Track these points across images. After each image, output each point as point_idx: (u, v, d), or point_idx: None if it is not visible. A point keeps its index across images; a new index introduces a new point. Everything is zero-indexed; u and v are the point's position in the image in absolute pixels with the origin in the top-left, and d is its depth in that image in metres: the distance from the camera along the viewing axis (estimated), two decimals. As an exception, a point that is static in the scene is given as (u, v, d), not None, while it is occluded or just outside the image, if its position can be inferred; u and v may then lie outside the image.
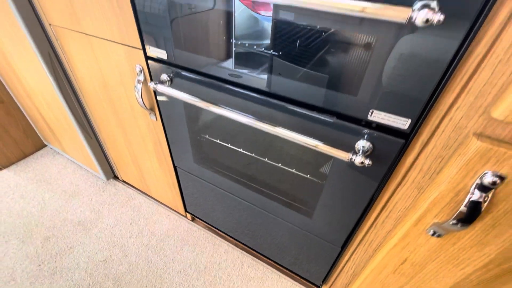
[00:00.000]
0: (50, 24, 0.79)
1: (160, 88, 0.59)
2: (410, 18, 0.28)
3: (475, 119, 0.37)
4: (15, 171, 1.36)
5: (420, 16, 0.27)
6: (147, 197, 1.25)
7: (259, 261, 1.01)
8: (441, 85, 0.36)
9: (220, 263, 1.00)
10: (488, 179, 0.38)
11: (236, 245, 1.07)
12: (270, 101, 0.51)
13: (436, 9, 0.29)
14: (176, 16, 0.51)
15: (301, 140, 0.47)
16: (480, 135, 0.37)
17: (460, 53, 0.33)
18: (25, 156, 1.44)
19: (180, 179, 0.95)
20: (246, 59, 0.49)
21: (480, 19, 0.30)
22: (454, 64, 0.34)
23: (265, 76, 0.49)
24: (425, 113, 0.39)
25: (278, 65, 0.46)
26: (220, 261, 1.01)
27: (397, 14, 0.28)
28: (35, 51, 0.85)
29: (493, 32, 0.31)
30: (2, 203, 1.19)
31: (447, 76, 0.35)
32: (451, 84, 0.36)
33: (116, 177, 1.34)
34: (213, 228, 1.07)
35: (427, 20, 0.27)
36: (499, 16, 0.30)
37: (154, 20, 0.54)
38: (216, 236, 1.09)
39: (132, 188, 1.29)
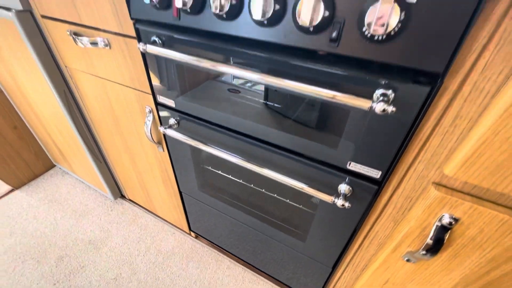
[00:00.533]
0: (66, 66, 0.88)
1: (169, 132, 0.67)
2: (371, 107, 0.36)
3: (433, 172, 0.45)
4: (27, 192, 1.43)
5: (378, 107, 0.35)
6: (153, 215, 1.32)
7: (259, 276, 1.09)
8: (403, 146, 0.44)
9: (223, 279, 1.08)
10: (445, 220, 0.46)
11: (237, 261, 1.14)
12: (265, 147, 0.59)
13: (391, 98, 0.38)
14: (183, 75, 0.59)
15: (289, 183, 0.55)
16: (437, 184, 0.45)
17: (414, 126, 0.41)
18: (35, 176, 1.52)
19: (184, 202, 1.03)
20: (243, 111, 0.57)
21: (426, 106, 0.38)
22: (411, 133, 0.42)
23: (259, 126, 0.57)
24: (392, 166, 0.47)
25: (269, 117, 0.54)
26: (223, 277, 1.08)
27: (361, 104, 0.36)
28: (51, 88, 0.93)
29: (437, 114, 0.39)
30: (17, 224, 1.26)
31: (407, 140, 0.43)
32: (411, 145, 0.44)
33: (123, 196, 1.42)
34: (216, 246, 1.15)
35: (384, 110, 0.35)
36: (441, 102, 0.38)
37: (164, 76, 0.63)
38: (219, 253, 1.16)
39: (139, 207, 1.36)
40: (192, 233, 1.21)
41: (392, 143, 0.44)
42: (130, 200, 1.39)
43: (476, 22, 0.31)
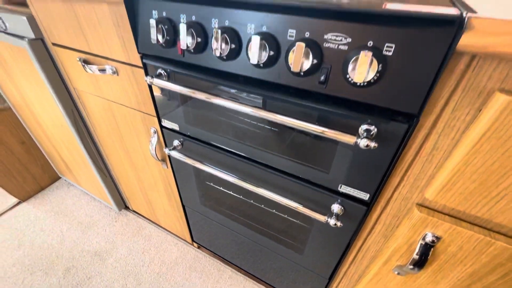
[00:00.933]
0: (74, 88, 0.92)
1: (174, 154, 0.72)
2: (356, 142, 0.41)
3: (416, 194, 0.50)
4: (34, 204, 1.48)
5: (362, 143, 0.40)
6: (156, 226, 1.36)
7: (260, 285, 1.12)
8: (388, 172, 0.48)
9: (225, 288, 1.11)
10: (428, 238, 0.50)
11: (238, 271, 1.18)
12: (262, 168, 0.64)
13: (374, 132, 0.42)
14: (187, 103, 0.64)
15: (284, 202, 0.60)
16: (420, 206, 0.50)
17: (396, 156, 0.46)
18: (41, 189, 1.56)
19: (187, 215, 1.07)
20: (242, 135, 0.61)
21: (405, 139, 0.43)
22: (394, 161, 0.46)
23: (257, 149, 0.61)
24: (379, 189, 0.51)
25: (267, 141, 0.58)
26: (225, 286, 1.12)
27: (347, 139, 0.41)
28: (60, 107, 0.98)
29: (416, 145, 0.43)
30: (25, 237, 1.30)
31: (391, 167, 0.48)
32: (396, 171, 0.49)
33: (127, 207, 1.46)
34: (218, 256, 1.19)
35: (367, 145, 0.40)
36: (419, 136, 0.42)
37: (169, 103, 0.67)
38: (221, 263, 1.20)
39: (142, 218, 1.40)
40: (195, 244, 1.25)
41: (378, 170, 0.48)
42: (134, 211, 1.44)
43: (444, 73, 0.36)
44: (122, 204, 1.43)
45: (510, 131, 0.34)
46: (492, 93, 0.35)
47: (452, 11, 0.32)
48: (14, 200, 1.49)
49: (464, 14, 0.31)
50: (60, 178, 1.64)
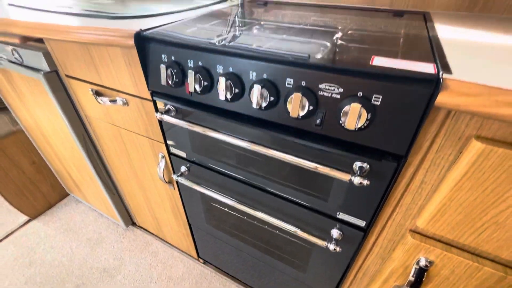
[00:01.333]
0: (85, 115, 0.97)
1: (181, 180, 0.76)
2: (350, 179, 0.45)
3: (409, 221, 0.53)
4: (43, 222, 1.52)
5: (355, 181, 0.44)
6: (163, 242, 1.40)
7: (265, 300, 1.15)
8: (382, 202, 0.52)
9: (231, 304, 1.14)
10: (422, 263, 0.53)
11: (243, 286, 1.21)
12: (267, 195, 0.68)
13: (367, 169, 0.46)
14: (194, 135, 0.68)
15: (284, 227, 0.63)
16: (413, 232, 0.53)
17: (388, 189, 0.49)
18: (50, 206, 1.61)
19: (193, 232, 1.11)
20: (247, 164, 0.65)
21: (396, 175, 0.47)
22: (387, 193, 0.50)
23: (260, 176, 0.65)
24: (374, 217, 0.55)
25: (270, 169, 0.62)
26: (231, 301, 1.15)
27: (341, 177, 0.45)
28: (71, 132, 1.03)
29: (406, 180, 0.47)
30: (36, 254, 1.34)
31: (384, 198, 0.51)
32: (389, 201, 0.52)
33: (133, 223, 1.50)
34: (223, 272, 1.22)
35: (360, 183, 0.44)
36: (408, 172, 0.46)
37: (177, 134, 0.72)
38: (226, 278, 1.23)
39: (149, 234, 1.44)
40: (200, 259, 1.28)
41: (372, 200, 0.52)
42: (140, 227, 1.47)
43: (426, 121, 0.40)
44: (129, 220, 1.47)
45: (487, 174, 0.38)
46: (470, 138, 0.39)
47: (430, 69, 0.36)
48: (25, 217, 1.53)
49: (440, 75, 0.35)
50: (68, 194, 1.68)
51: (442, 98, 0.34)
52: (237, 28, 0.62)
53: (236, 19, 0.72)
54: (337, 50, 0.47)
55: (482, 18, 0.70)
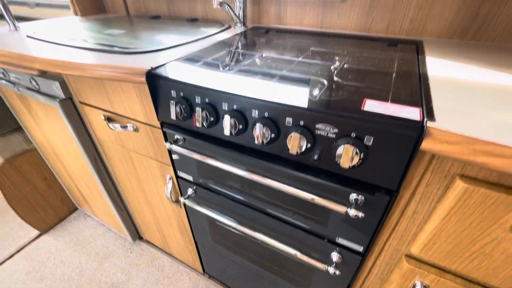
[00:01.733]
0: (97, 138, 1.03)
1: (188, 202, 0.80)
2: (346, 211, 0.48)
3: (404, 247, 0.56)
4: (54, 236, 1.56)
5: (351, 213, 0.47)
6: (169, 256, 1.43)
7: (270, 315, 1.17)
8: (377, 229, 0.55)
9: (236, 319, 1.16)
10: (418, 287, 0.56)
11: (248, 300, 1.23)
12: (268, 217, 0.71)
13: (362, 201, 0.50)
14: (201, 162, 0.72)
15: (286, 250, 0.67)
16: (409, 257, 0.56)
17: (383, 218, 0.53)
18: (60, 220, 1.65)
19: (199, 248, 1.14)
20: (250, 189, 0.69)
21: (389, 206, 0.50)
22: (382, 222, 0.53)
23: (263, 201, 0.69)
24: (372, 242, 0.58)
25: (272, 193, 0.66)
26: (236, 316, 1.17)
27: (338, 209, 0.48)
28: (83, 153, 1.08)
29: (399, 210, 0.51)
30: (47, 269, 1.38)
31: (379, 225, 0.55)
32: (384, 228, 0.55)
33: (140, 238, 1.53)
34: (228, 287, 1.24)
35: (356, 215, 0.47)
36: (401, 204, 0.50)
37: (185, 160, 0.76)
38: (231, 293, 1.26)
39: (155, 248, 1.47)
40: (206, 274, 1.31)
41: (369, 228, 0.55)
42: (147, 241, 1.51)
43: (414, 160, 0.43)
44: (137, 235, 1.51)
45: (471, 209, 0.41)
46: (455, 176, 0.42)
47: (416, 115, 0.40)
48: (36, 232, 1.58)
49: (424, 122, 0.39)
50: (77, 208, 1.73)
51: (426, 144, 0.38)
52: (240, 63, 0.67)
53: (239, 51, 0.76)
54: (333, 88, 0.51)
55: (473, 46, 0.73)
